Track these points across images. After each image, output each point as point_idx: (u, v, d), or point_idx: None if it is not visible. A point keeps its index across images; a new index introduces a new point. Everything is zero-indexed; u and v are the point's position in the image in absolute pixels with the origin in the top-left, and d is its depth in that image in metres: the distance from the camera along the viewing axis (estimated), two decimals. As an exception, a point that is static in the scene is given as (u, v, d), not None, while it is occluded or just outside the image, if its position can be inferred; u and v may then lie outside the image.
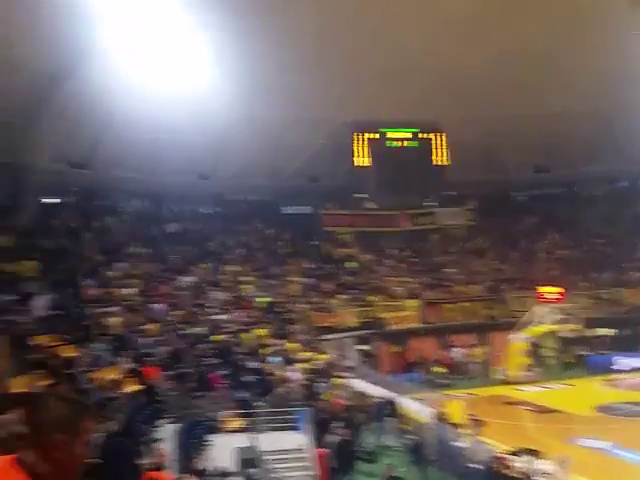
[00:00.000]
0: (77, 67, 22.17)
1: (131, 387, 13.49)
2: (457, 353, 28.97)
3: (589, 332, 29.97)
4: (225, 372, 17.73)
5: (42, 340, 13.73)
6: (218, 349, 19.31)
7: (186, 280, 24.44)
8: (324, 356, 21.34)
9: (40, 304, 15.13)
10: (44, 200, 26.75)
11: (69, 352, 13.99)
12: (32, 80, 21.29)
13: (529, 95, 28.37)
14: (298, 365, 20.19)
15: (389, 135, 34.17)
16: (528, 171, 36.07)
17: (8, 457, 2.20)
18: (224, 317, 22.27)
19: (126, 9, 19.75)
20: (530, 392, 24.51)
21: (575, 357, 29.03)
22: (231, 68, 23.56)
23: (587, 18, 22.50)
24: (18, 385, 10.75)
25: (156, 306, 20.03)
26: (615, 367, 27.41)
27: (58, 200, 28.04)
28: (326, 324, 26.98)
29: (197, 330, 19.80)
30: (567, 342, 29.86)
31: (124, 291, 20.16)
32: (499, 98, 28.54)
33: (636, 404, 20.91)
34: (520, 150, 33.77)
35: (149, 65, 22.30)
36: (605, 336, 30.11)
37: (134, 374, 14.26)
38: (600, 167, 35.13)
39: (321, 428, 15.44)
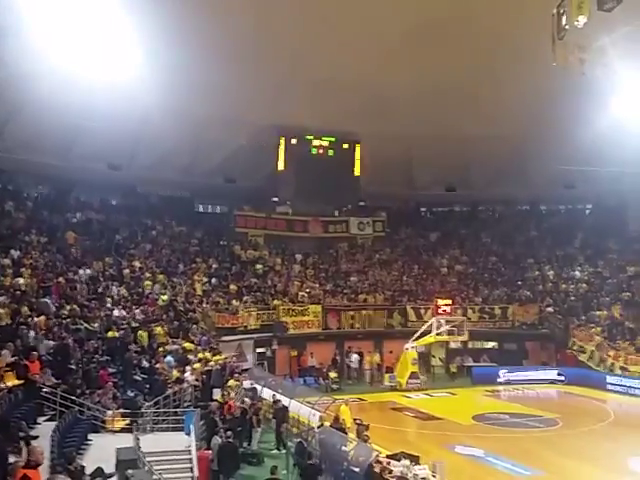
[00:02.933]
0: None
1: (11, 381, 13.15)
2: (353, 359, 29.91)
3: (477, 344, 31.95)
4: (115, 370, 17.56)
5: None
6: (111, 346, 19.03)
7: (85, 272, 23.77)
8: (220, 357, 21.45)
9: None
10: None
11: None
12: None
13: (444, 118, 29.73)
14: (195, 365, 20.21)
15: (311, 142, 34.60)
16: (437, 188, 37.70)
17: None
18: (122, 313, 21.87)
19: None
20: (416, 399, 25.82)
21: (461, 368, 30.71)
22: (156, 60, 23.19)
23: (507, 49, 23.89)
24: None
25: (47, 298, 19.39)
26: (498, 379, 29.24)
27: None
28: (227, 325, 27.09)
29: (90, 325, 19.35)
30: (455, 353, 31.63)
31: (14, 280, 19.39)
32: (417, 118, 29.74)
33: (510, 415, 22.53)
34: (431, 168, 35.20)
35: (69, 49, 21.63)
36: (491, 349, 32.16)
37: (15, 368, 13.88)
38: (503, 190, 37.26)
39: (210, 430, 15.63)
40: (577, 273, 34.23)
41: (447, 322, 28.41)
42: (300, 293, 31.39)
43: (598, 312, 30.66)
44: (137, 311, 22.66)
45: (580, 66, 13.56)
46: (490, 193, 37.99)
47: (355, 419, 17.23)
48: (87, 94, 23.70)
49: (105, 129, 27.38)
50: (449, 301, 30.30)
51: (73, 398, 14.89)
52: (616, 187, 34.49)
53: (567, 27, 12.51)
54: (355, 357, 29.91)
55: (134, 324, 21.39)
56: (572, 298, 32.43)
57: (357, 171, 35.08)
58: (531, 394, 27.69)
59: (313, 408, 18.20)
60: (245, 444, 16.87)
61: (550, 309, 31.89)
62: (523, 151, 33.22)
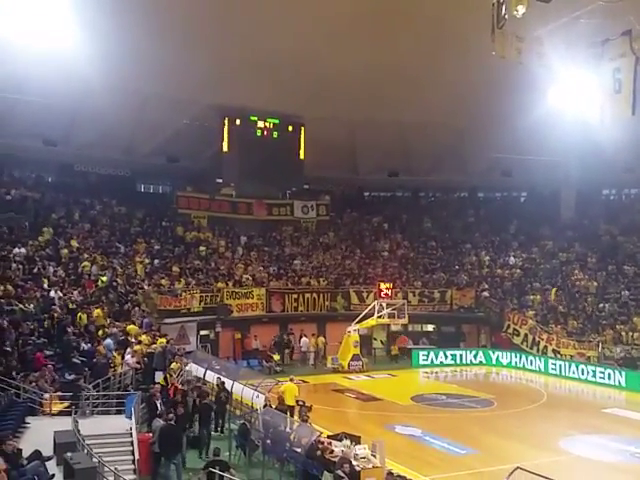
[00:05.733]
0: None
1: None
2: (303, 343, 30.17)
3: (417, 327, 32.78)
4: (52, 352, 17.11)
5: None
6: (49, 328, 18.52)
7: (20, 252, 22.93)
8: (163, 340, 21.19)
9: None
10: None
11: None
12: None
13: (387, 103, 30.06)
14: (136, 348, 19.92)
15: (256, 124, 34.21)
16: (380, 173, 38.20)
17: None
18: (59, 294, 21.25)
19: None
20: (358, 381, 26.32)
21: (402, 350, 31.43)
22: (97, 34, 22.31)
23: (449, 37, 24.28)
24: None
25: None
26: (437, 361, 30.13)
27: None
28: (170, 308, 26.71)
29: (26, 306, 18.73)
30: (396, 336, 32.35)
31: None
32: (361, 103, 29.96)
33: (447, 395, 23.30)
34: (374, 153, 35.58)
35: (1, 18, 20.50)
36: (431, 332, 33.07)
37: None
38: (444, 176, 38.18)
39: (152, 413, 15.47)
40: (512, 259, 35.51)
41: (388, 305, 28.92)
42: (244, 276, 31.27)
43: (531, 296, 32.00)
44: (75, 292, 22.09)
45: (517, 56, 13.86)
46: (431, 179, 38.89)
47: (298, 400, 17.42)
48: (21, 66, 22.69)
49: (41, 103, 26.41)
50: (390, 285, 30.87)
51: (9, 381, 14.46)
52: (550, 176, 35.91)
53: (506, 17, 12.72)
54: (304, 340, 30.13)
55: (72, 306, 20.85)
56: (507, 283, 33.66)
57: (302, 154, 35.04)
58: (468, 375, 28.69)
59: (256, 390, 18.27)
60: (187, 426, 16.77)
61: (486, 293, 33.00)
62: (463, 139, 34.08)
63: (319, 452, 13.32)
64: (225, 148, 33.54)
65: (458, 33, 23.22)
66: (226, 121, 33.32)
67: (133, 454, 13.11)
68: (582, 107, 14.43)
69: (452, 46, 24.53)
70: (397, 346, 31.50)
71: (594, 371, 25.94)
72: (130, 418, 14.52)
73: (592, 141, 25.90)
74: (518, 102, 25.99)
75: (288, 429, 14.90)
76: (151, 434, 13.96)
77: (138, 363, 18.90)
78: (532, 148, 32.82)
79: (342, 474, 11.93)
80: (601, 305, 30.27)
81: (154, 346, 20.39)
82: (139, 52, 24.56)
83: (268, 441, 14.75)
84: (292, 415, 16.24)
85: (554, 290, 31.62)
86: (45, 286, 21.37)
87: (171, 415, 13.96)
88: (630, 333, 27.50)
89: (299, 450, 13.64)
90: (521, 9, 12.26)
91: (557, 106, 20.23)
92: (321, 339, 30.41)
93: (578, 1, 12.29)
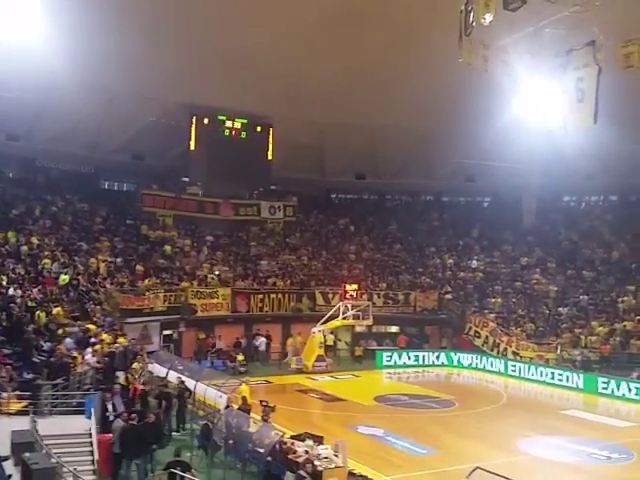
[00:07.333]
0: None
1: None
2: (260, 342, 30.08)
3: (381, 329, 33.07)
4: (11, 351, 16.72)
5: None
6: (7, 326, 18.08)
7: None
8: (123, 340, 20.89)
9: None
10: None
11: None
12: None
13: (355, 106, 30.29)
14: (96, 347, 19.59)
15: (224, 123, 34.08)
16: (347, 176, 38.45)
17: None
18: (19, 292, 20.76)
19: None
20: (321, 381, 26.39)
21: (366, 351, 31.64)
22: (62, 26, 21.84)
23: (417, 43, 24.62)
24: None
25: None
26: (400, 362, 30.43)
27: None
28: (133, 307, 26.33)
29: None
30: (361, 337, 32.59)
31: None
32: (329, 105, 30.10)
33: (409, 396, 23.56)
34: (342, 155, 35.77)
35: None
36: (395, 333, 33.40)
37: None
38: (409, 180, 38.65)
39: (103, 414, 15.19)
40: (474, 262, 36.12)
41: (353, 307, 29.05)
42: (209, 275, 31.04)
43: (492, 299, 32.59)
44: (35, 290, 21.60)
45: (483, 63, 14.10)
46: (397, 183, 39.35)
47: (262, 401, 17.37)
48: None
49: (4, 97, 25.77)
50: (356, 286, 31.06)
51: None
52: (513, 182, 36.65)
53: (474, 24, 12.94)
54: (262, 340, 30.06)
55: (31, 304, 20.38)
56: (469, 286, 34.23)
57: (270, 155, 34.99)
58: (430, 376, 29.01)
59: (219, 390, 18.18)
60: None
61: (449, 296, 33.50)
62: (428, 143, 34.47)
63: (282, 452, 13.34)
64: (192, 147, 33.35)
65: (426, 39, 23.57)
66: (194, 120, 33.17)
67: (93, 455, 12.93)
68: (545, 115, 14.76)
69: (420, 51, 24.90)
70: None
71: (553, 373, 26.52)
72: (90, 418, 14.30)
73: (554, 149, 26.49)
74: (483, 109, 26.42)
75: (250, 429, 14.88)
76: (111, 434, 13.76)
77: (99, 362, 18.57)
78: (496, 154, 33.44)
79: (304, 474, 11.97)
80: (560, 309, 30.98)
81: (115, 345, 20.08)
82: (107, 48, 24.25)
83: (230, 441, 14.71)
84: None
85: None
86: (4, 283, 20.84)
87: (133, 415, 13.80)
88: (588, 337, 28.20)
89: (261, 450, 13.64)
90: (488, 17, 12.49)
91: (521, 114, 20.61)
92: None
93: (544, 11, 12.57)
